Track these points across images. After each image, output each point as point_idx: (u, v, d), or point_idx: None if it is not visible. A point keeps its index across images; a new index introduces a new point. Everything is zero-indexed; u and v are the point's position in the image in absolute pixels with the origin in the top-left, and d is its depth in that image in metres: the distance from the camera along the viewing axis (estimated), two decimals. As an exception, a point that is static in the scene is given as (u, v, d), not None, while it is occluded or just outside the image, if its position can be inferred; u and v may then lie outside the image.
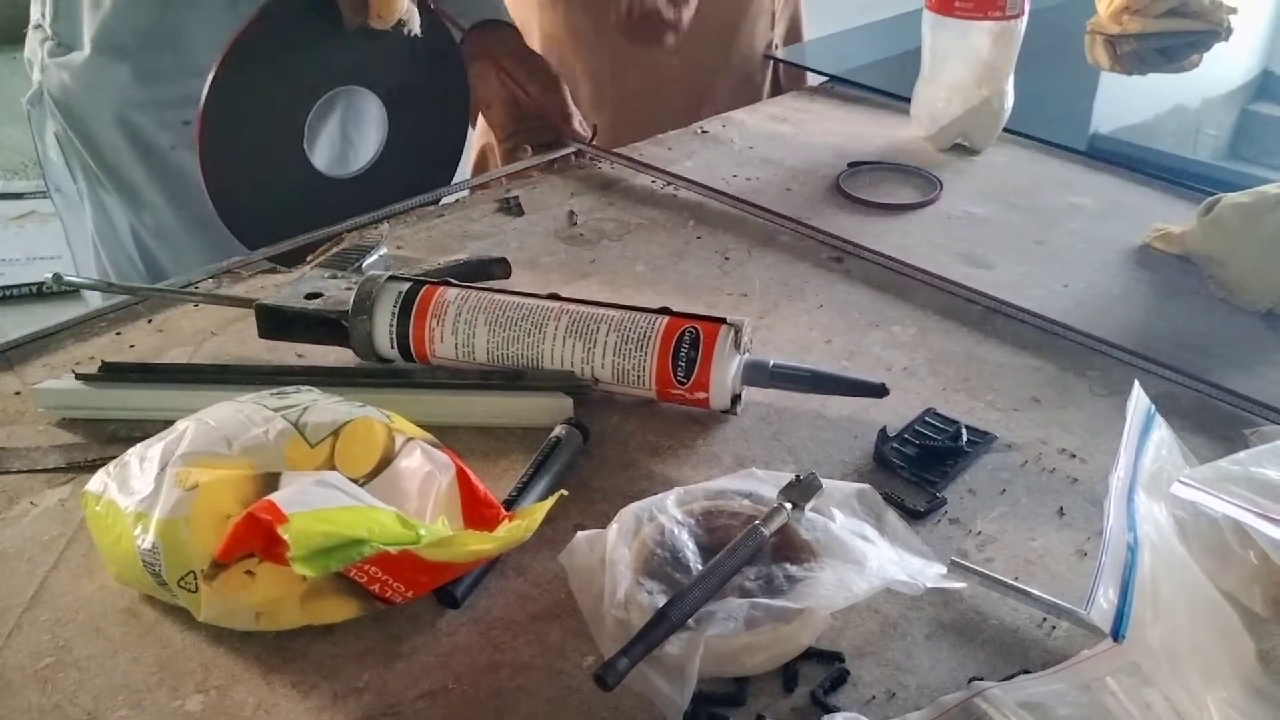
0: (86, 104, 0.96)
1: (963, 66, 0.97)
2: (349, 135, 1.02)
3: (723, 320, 0.64)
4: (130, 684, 0.49)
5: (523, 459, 0.62)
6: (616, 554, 0.51)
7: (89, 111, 0.96)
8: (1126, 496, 0.50)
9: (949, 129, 1.00)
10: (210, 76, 0.84)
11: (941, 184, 0.94)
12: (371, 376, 0.67)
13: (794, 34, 1.34)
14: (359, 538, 0.43)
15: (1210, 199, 0.82)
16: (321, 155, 0.98)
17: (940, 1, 0.96)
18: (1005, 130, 1.02)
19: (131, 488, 0.50)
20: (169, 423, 0.57)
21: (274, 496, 0.44)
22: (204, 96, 0.84)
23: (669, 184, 0.94)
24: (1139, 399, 0.55)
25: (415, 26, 0.90)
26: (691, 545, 0.52)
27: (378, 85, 0.95)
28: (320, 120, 0.97)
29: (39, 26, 0.98)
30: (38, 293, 2.55)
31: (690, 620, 0.48)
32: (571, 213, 0.91)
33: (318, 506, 0.44)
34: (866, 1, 1.52)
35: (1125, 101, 1.26)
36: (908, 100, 1.05)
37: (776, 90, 1.29)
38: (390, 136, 0.96)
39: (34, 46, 0.99)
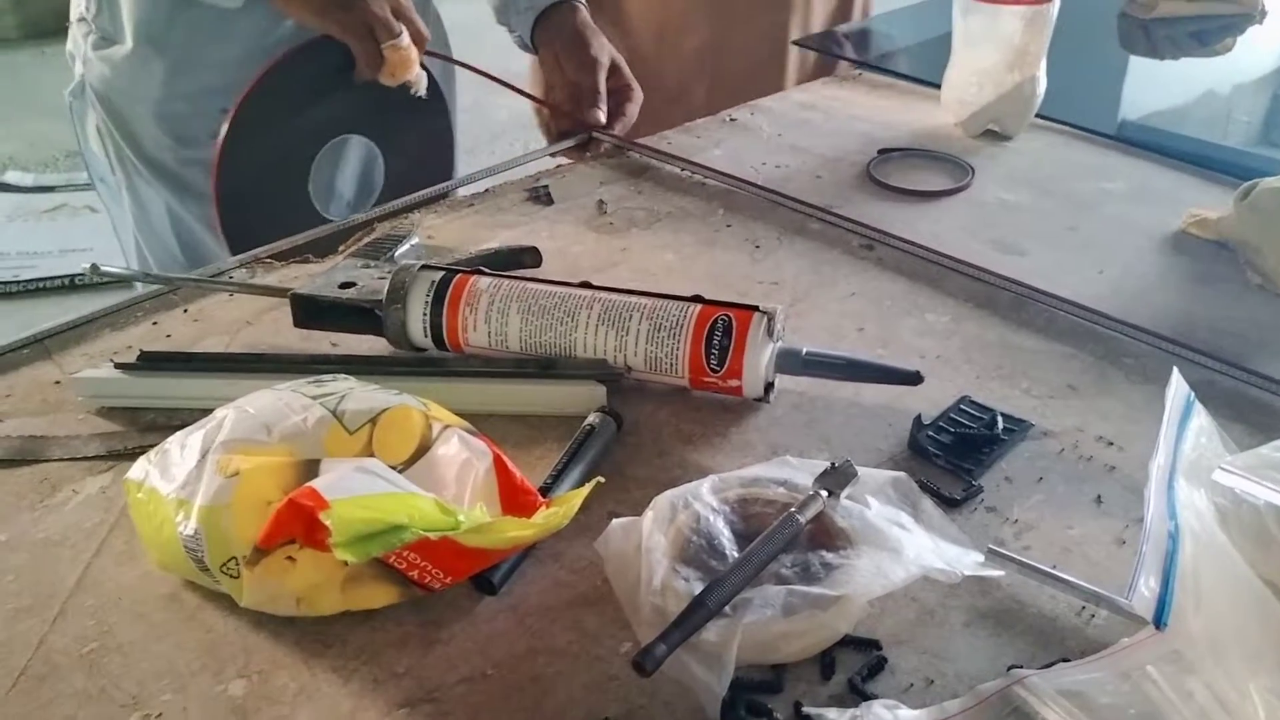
0: (128, 95, 0.97)
1: (994, 52, 0.97)
2: (337, 180, 1.05)
3: (755, 308, 0.64)
4: (174, 669, 0.50)
5: (556, 447, 0.62)
6: (653, 541, 0.51)
7: (129, 103, 0.97)
8: (1167, 484, 0.50)
9: (980, 115, 1.00)
10: (232, 112, 0.88)
11: (973, 170, 0.93)
12: (405, 365, 0.68)
13: (843, 13, 1.33)
14: (399, 524, 0.43)
15: (1247, 184, 0.81)
16: (320, 199, 1.00)
17: (972, -14, 0.95)
18: (1037, 116, 1.01)
19: (173, 475, 0.51)
20: (207, 411, 0.57)
21: (315, 483, 0.44)
22: (223, 131, 0.88)
23: (697, 173, 0.94)
24: (1178, 386, 0.55)
25: (422, 89, 0.94)
26: (727, 532, 0.52)
27: (376, 134, 1.01)
28: (321, 165, 1.00)
29: (83, 20, 0.99)
30: (70, 284, 2.57)
31: (727, 607, 0.48)
32: (601, 201, 0.91)
33: (359, 493, 0.44)
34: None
35: (1154, 86, 1.24)
36: (938, 86, 1.04)
37: (807, 76, 1.28)
38: (386, 183, 1.01)
39: (77, 40, 1.00)
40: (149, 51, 0.95)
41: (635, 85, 1.04)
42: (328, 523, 0.42)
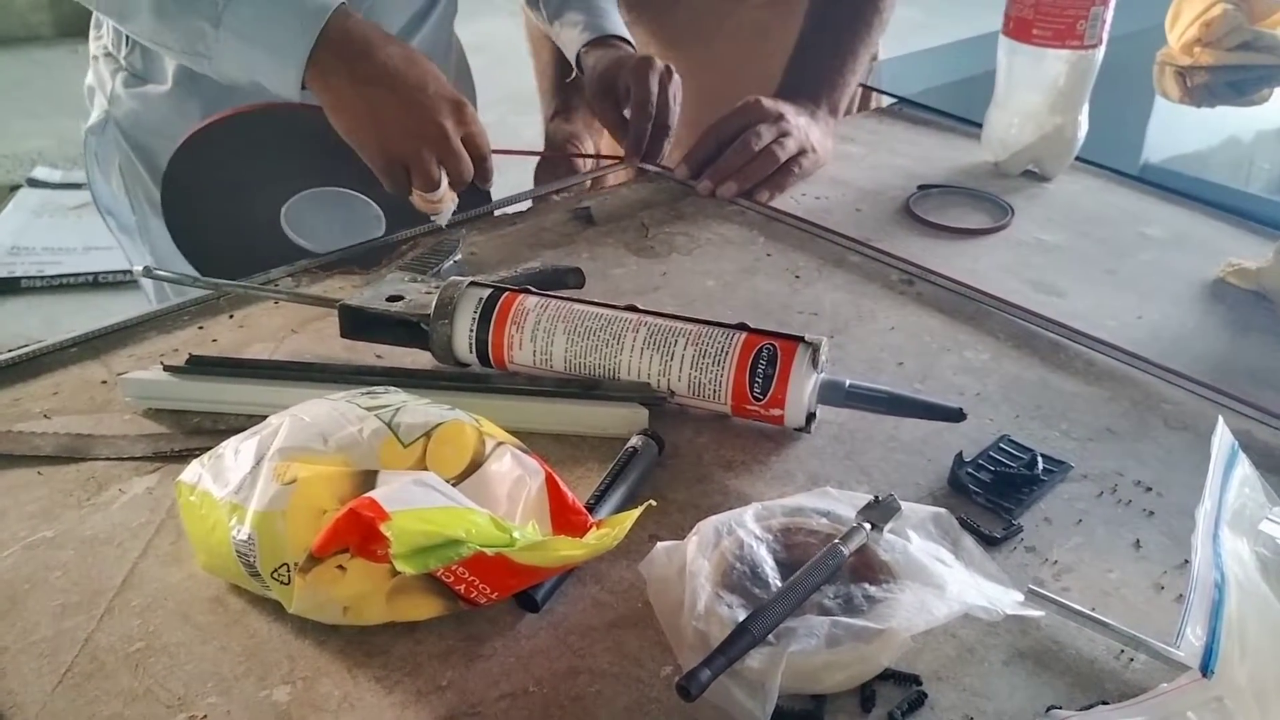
0: (159, 134, 0.96)
1: (1037, 93, 0.97)
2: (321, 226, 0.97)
3: (801, 338, 0.64)
4: (218, 672, 0.50)
5: (597, 467, 0.62)
6: (696, 566, 0.52)
7: (160, 141, 0.96)
8: (1213, 532, 0.50)
9: (1020, 155, 1.00)
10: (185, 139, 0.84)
11: (1012, 210, 0.94)
12: (450, 380, 0.68)
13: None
14: (457, 538, 0.44)
15: (1288, 235, 0.81)
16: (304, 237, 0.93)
17: (1017, 27, 0.96)
18: (1076, 158, 1.02)
19: (226, 479, 0.51)
20: (253, 416, 0.58)
21: (375, 494, 0.45)
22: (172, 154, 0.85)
23: (737, 202, 0.95)
24: (1223, 435, 0.55)
25: (443, 222, 0.86)
26: (770, 561, 0.53)
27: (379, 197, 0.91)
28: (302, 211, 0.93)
29: (110, 56, 0.98)
30: (94, 282, 2.60)
31: (770, 635, 0.48)
32: (643, 224, 0.91)
33: (417, 505, 0.44)
34: (933, 23, 1.52)
35: (1179, 130, 1.25)
36: (977, 124, 1.05)
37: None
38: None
39: (103, 76, 0.99)
40: (186, 91, 0.94)
41: (670, 115, 1.02)
42: (388, 534, 0.42)
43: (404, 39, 0.97)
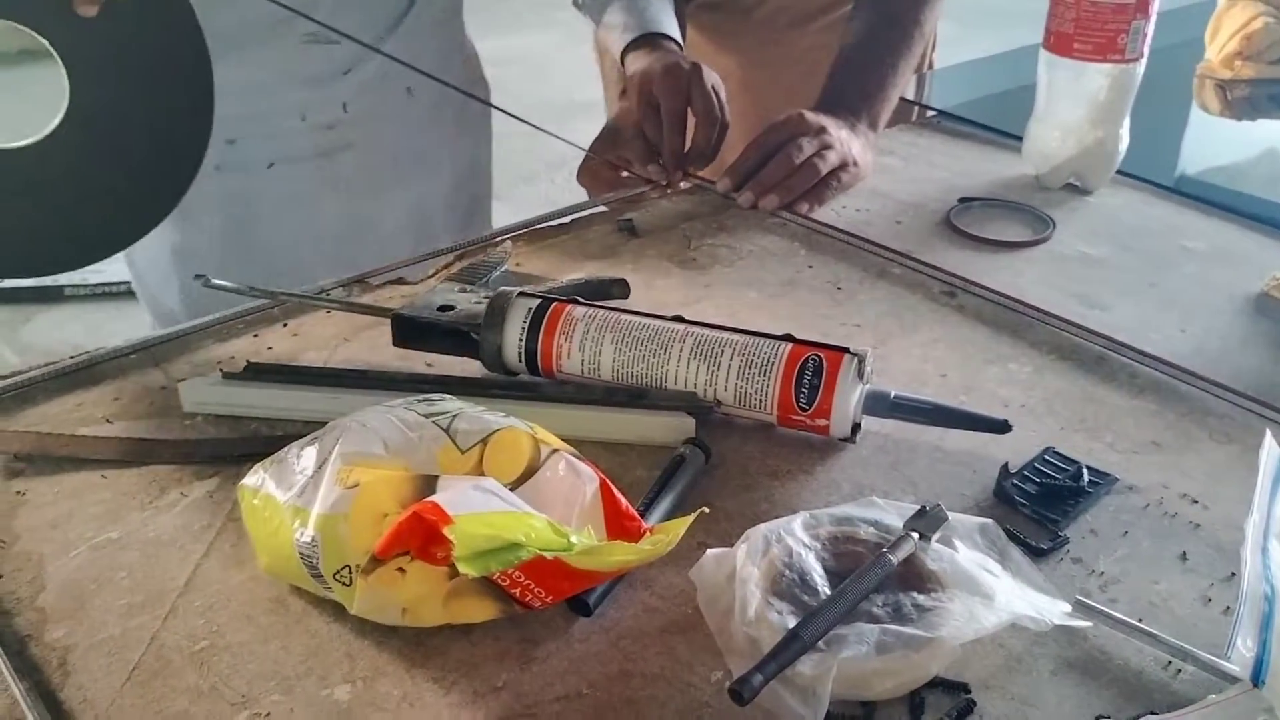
0: None
1: (1078, 107, 0.98)
2: None
3: (846, 349, 0.65)
4: (281, 671, 0.51)
5: (644, 475, 0.63)
6: (746, 572, 0.53)
7: None
8: (1262, 545, 0.50)
9: (1061, 168, 1.01)
10: None
11: (1054, 223, 0.94)
12: (500, 388, 0.70)
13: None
14: (517, 541, 0.45)
15: (1334, 250, 0.81)
16: None
17: (1058, 41, 0.96)
18: (1117, 171, 1.02)
19: (289, 483, 0.53)
20: (308, 423, 0.60)
21: (437, 498, 0.46)
22: None
23: (778, 214, 0.96)
24: (1271, 448, 0.55)
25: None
26: (819, 569, 0.53)
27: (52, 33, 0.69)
28: None
29: None
30: (132, 291, 2.64)
31: (820, 642, 0.49)
32: (686, 236, 0.93)
33: (478, 510, 0.46)
34: (968, 37, 1.52)
35: (1214, 142, 1.25)
36: (1016, 137, 1.05)
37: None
38: (72, 104, 0.70)
39: None
40: None
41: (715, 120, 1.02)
42: (451, 537, 0.44)
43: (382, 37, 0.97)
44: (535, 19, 4.63)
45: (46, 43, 0.68)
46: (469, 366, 0.72)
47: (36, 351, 2.63)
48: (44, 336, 2.72)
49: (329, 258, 0.97)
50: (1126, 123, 0.99)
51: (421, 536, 0.46)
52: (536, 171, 3.52)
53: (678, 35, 1.08)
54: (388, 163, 1.06)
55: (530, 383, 0.71)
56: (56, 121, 0.69)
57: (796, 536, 0.55)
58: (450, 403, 0.57)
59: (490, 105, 1.01)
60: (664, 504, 0.60)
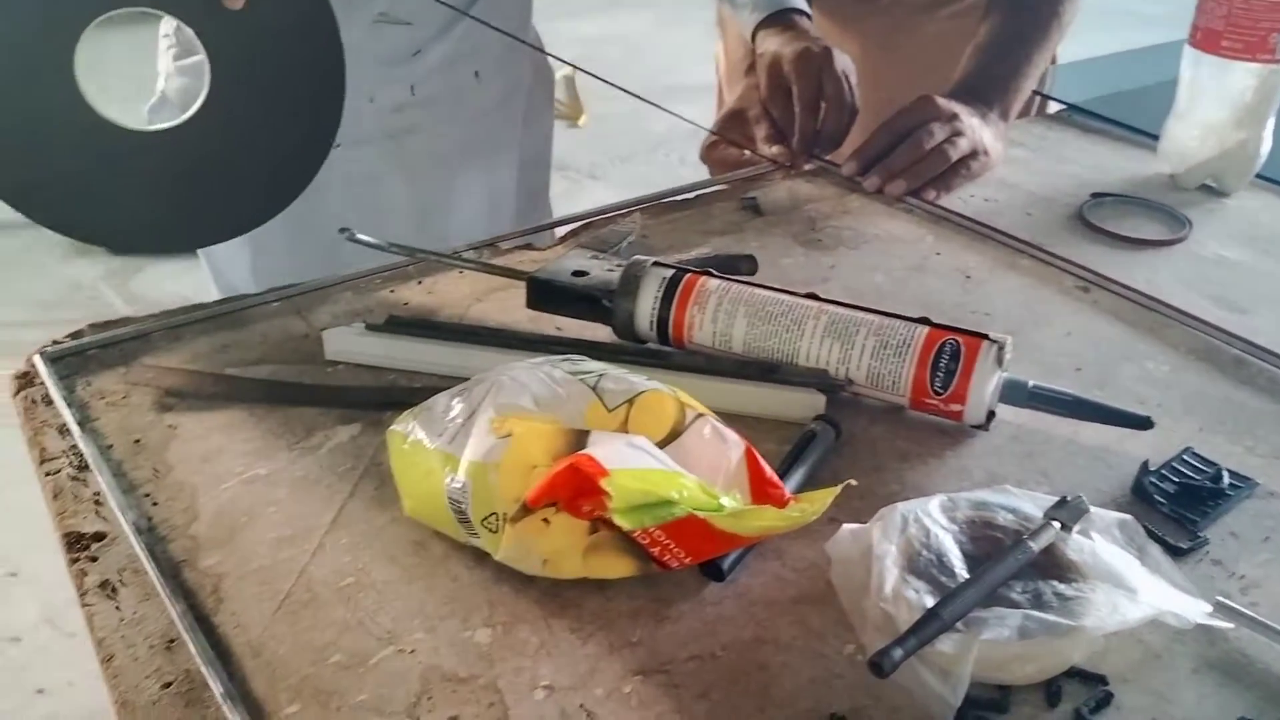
0: None
1: (1221, 106, 0.95)
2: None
3: (985, 335, 0.65)
4: (424, 610, 0.53)
5: (773, 449, 0.63)
6: (882, 549, 0.53)
7: None
8: None
9: (1199, 169, 0.98)
10: None
11: (1190, 223, 0.92)
12: (630, 354, 0.70)
13: None
14: (670, 499, 0.46)
15: None
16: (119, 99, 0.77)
17: (1205, 38, 0.94)
18: (1256, 175, 0.99)
19: (438, 430, 0.54)
20: (445, 376, 0.61)
21: (593, 451, 0.47)
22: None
23: (906, 199, 0.95)
24: None
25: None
26: (956, 551, 0.53)
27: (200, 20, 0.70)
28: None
29: (166, 35, 1.01)
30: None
31: (959, 623, 0.49)
32: (810, 218, 0.92)
33: (632, 465, 0.46)
34: (1100, 30, 1.49)
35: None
36: (1150, 135, 1.03)
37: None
38: (212, 91, 0.72)
39: (165, 60, 1.02)
40: None
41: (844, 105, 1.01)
42: (609, 489, 0.44)
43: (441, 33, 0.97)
44: (631, 1, 4.64)
45: (192, 32, 0.70)
46: (598, 332, 0.73)
47: (146, 302, 2.73)
48: (153, 289, 2.81)
49: (397, 240, 0.98)
50: (1271, 124, 0.96)
51: (574, 488, 0.47)
52: (635, 151, 3.53)
53: (808, 10, 1.07)
54: (455, 147, 1.06)
55: (660, 351, 0.71)
56: (197, 107, 0.72)
57: (934, 518, 0.55)
58: (593, 363, 0.58)
59: (601, 80, 1.01)
60: (796, 477, 0.60)
